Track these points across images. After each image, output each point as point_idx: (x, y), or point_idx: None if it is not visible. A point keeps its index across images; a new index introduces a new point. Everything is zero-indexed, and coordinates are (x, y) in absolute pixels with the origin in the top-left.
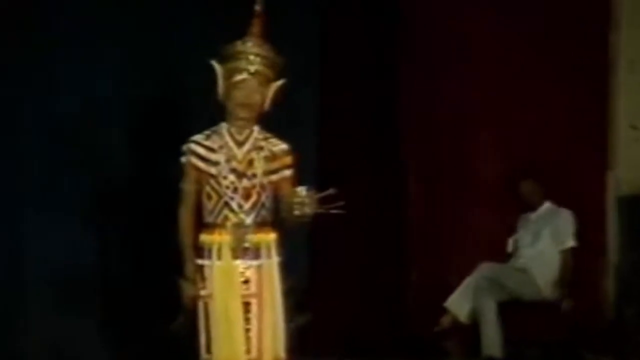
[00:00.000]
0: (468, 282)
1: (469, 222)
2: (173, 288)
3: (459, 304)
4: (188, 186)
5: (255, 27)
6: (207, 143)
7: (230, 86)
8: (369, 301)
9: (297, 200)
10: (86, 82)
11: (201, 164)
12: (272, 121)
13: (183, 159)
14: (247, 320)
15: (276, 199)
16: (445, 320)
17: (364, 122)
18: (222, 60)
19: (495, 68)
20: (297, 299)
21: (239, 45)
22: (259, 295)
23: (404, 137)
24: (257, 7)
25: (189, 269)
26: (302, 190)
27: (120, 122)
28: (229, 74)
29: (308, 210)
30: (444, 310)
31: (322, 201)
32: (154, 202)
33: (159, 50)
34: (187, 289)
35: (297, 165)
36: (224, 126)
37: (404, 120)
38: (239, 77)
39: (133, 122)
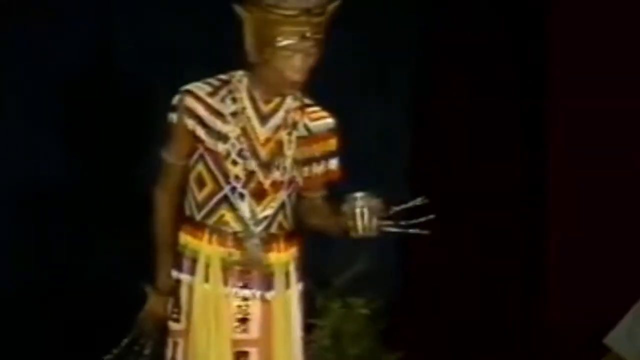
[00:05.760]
0: (637, 310)
1: (632, 230)
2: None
3: (624, 340)
4: (174, 158)
5: None
6: (211, 101)
7: (270, 51)
8: (490, 337)
9: (349, 212)
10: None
11: (201, 133)
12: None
13: (173, 117)
14: None
15: (300, 198)
16: None
17: (486, 106)
18: (252, 6)
19: None
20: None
21: None
22: (263, 342)
23: (548, 122)
24: None
25: (161, 278)
26: (359, 198)
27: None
28: (266, 33)
29: (366, 229)
30: (603, 349)
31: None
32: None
33: None
34: (155, 306)
35: (340, 151)
36: (243, 79)
37: (550, 109)
38: (284, 42)
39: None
